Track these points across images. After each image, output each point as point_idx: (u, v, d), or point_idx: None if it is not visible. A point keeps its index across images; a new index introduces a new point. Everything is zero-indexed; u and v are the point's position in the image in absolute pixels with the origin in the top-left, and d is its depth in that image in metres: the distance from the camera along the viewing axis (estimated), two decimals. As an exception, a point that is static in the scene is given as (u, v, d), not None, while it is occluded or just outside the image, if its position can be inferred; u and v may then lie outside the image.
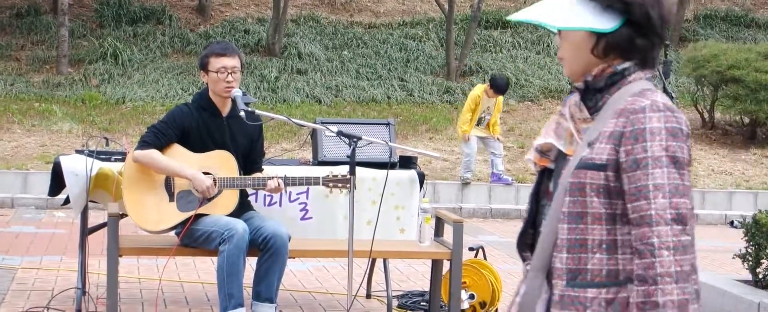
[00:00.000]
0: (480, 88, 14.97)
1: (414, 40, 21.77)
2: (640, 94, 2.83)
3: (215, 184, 6.54)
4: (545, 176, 3.01)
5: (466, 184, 15.07)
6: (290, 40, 21.01)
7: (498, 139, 15.15)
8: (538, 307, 2.90)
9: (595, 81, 2.90)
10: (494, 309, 7.55)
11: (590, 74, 2.91)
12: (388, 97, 19.27)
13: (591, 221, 2.84)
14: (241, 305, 6.47)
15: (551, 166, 2.99)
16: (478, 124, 14.86)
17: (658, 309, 2.75)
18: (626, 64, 2.88)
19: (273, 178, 6.59)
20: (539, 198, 3.03)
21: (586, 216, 2.84)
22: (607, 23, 2.85)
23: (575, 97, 2.94)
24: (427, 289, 7.77)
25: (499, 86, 14.80)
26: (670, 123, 2.78)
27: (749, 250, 7.83)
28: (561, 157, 2.95)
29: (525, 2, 24.00)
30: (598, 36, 2.86)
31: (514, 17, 2.91)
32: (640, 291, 2.77)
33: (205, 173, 6.58)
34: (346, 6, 23.28)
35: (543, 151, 3.02)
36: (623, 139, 2.80)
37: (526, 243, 3.03)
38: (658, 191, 2.77)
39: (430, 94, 19.57)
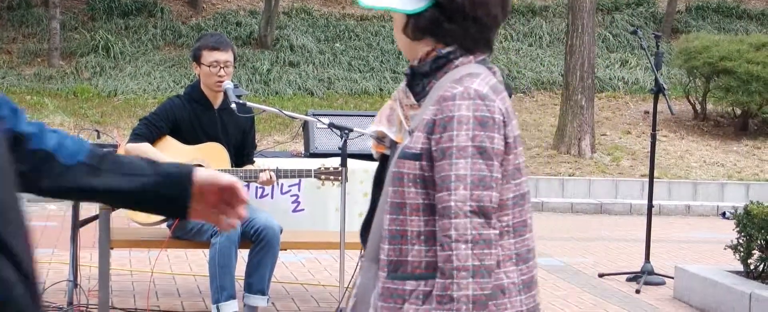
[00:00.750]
0: None
1: (406, 33, 21.74)
2: (458, 80, 2.73)
3: (207, 177, 6.52)
4: (385, 163, 2.93)
5: None
6: (282, 32, 21.00)
7: None
8: (372, 298, 2.83)
9: (420, 65, 2.82)
10: (486, 300, 7.55)
11: (416, 58, 2.83)
12: (381, 89, 19.27)
13: (409, 212, 2.74)
14: (233, 297, 6.47)
15: (388, 152, 2.92)
16: None
17: (452, 303, 2.64)
18: (450, 48, 2.79)
19: (265, 170, 6.59)
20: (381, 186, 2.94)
21: (405, 207, 2.74)
22: (414, 4, 2.77)
23: (403, 83, 2.88)
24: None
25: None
26: (480, 112, 2.67)
27: (740, 241, 7.85)
28: (393, 145, 2.88)
29: (517, -6, 24.00)
30: (408, 17, 2.80)
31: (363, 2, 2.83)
32: (439, 284, 2.67)
33: (197, 165, 6.56)
34: (338, -2, 23.26)
35: (379, 138, 2.96)
36: (434, 128, 2.70)
37: (368, 232, 2.95)
38: (460, 182, 2.66)
39: (422, 86, 19.56)
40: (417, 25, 2.80)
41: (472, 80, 2.72)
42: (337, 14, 22.41)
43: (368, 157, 7.38)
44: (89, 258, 8.40)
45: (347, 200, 6.47)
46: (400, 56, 20.64)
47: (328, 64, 20.05)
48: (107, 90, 18.17)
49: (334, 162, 6.70)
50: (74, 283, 7.05)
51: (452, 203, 2.66)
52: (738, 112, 18.71)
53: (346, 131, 6.34)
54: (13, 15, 20.94)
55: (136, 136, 6.58)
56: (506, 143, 2.73)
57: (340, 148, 6.33)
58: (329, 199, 7.34)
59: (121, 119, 16.62)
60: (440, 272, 2.67)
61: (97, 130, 7.53)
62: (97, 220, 6.62)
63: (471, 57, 2.81)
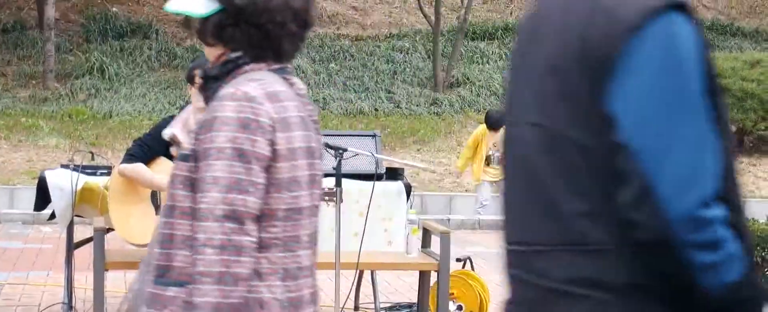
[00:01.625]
0: (483, 126, 13.87)
1: (401, 52, 21.79)
2: (236, 83, 2.70)
3: (201, 198, 6.52)
4: None
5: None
6: (277, 53, 21.01)
7: None
8: (141, 303, 2.77)
9: (210, 69, 2.80)
10: (482, 320, 7.54)
11: (210, 62, 2.82)
12: (376, 109, 19.28)
13: (178, 215, 2.67)
14: (229, 318, 6.44)
15: None
16: (488, 165, 13.66)
17: (194, 310, 2.56)
18: (238, 53, 2.77)
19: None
20: None
21: (176, 210, 2.68)
22: (203, 9, 2.76)
23: (197, 86, 2.86)
24: (416, 300, 7.76)
25: (490, 121, 13.62)
26: (244, 113, 2.62)
27: (736, 258, 7.84)
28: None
29: (511, 14, 24.05)
30: (201, 22, 2.78)
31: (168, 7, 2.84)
32: (188, 289, 2.61)
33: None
34: (332, 19, 23.30)
35: (176, 142, 2.95)
36: (201, 128, 2.67)
37: None
38: (214, 184, 2.59)
39: (417, 105, 19.59)
40: (205, 29, 2.78)
41: (247, 83, 2.68)
42: (332, 35, 22.44)
43: (363, 177, 7.39)
44: (84, 280, 8.37)
45: (342, 220, 6.46)
46: (395, 76, 20.67)
47: (323, 85, 20.07)
48: (102, 112, 18.17)
49: (329, 182, 6.69)
50: (69, 305, 7.03)
51: (204, 206, 2.58)
52: (733, 129, 18.72)
53: (341, 151, 6.34)
54: (8, 37, 20.95)
55: (130, 157, 6.56)
56: (275, 150, 2.65)
57: (334, 168, 6.33)
58: (324, 219, 7.31)
59: (117, 141, 16.61)
60: (191, 277, 2.60)
61: (91, 152, 7.51)
62: (92, 242, 6.60)
63: (263, 64, 2.78)
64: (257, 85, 2.69)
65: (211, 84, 2.79)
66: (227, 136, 2.61)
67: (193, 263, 2.60)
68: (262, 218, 2.66)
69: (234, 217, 2.59)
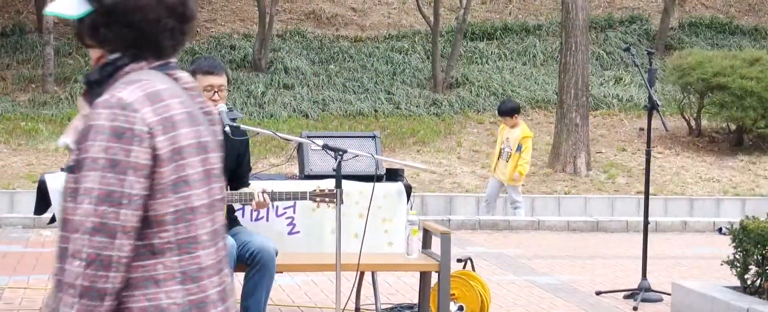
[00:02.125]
0: (502, 124, 13.97)
1: (400, 53, 21.78)
2: (113, 88, 2.61)
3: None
4: None
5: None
6: (276, 55, 21.02)
7: (517, 182, 13.71)
8: None
9: (91, 73, 2.72)
10: (483, 320, 7.54)
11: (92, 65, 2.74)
12: (375, 111, 19.28)
13: (69, 228, 2.59)
14: (230, 321, 6.44)
15: None
16: (498, 159, 13.66)
17: None
18: (116, 55, 2.68)
19: (260, 193, 6.57)
20: None
21: (67, 222, 2.60)
22: (76, 10, 2.68)
23: (82, 92, 2.77)
24: (416, 301, 7.76)
25: (499, 109, 13.94)
26: (118, 122, 2.53)
27: (737, 256, 7.85)
28: None
29: (510, 14, 24.05)
30: (76, 23, 2.70)
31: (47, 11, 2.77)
32: (54, 298, 2.55)
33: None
34: (331, 20, 23.31)
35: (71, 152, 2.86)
36: (80, 137, 2.59)
37: None
38: (86, 196, 2.51)
39: (417, 106, 19.58)
40: (81, 31, 2.71)
41: (124, 88, 2.60)
42: (331, 36, 22.44)
43: (363, 178, 7.39)
44: (85, 283, 8.36)
45: (342, 221, 6.47)
46: (395, 77, 20.67)
47: (322, 86, 20.07)
48: (102, 115, 18.15)
49: (329, 184, 6.70)
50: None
51: (76, 217, 2.53)
52: (733, 127, 18.72)
53: (341, 152, 6.34)
54: (7, 41, 20.96)
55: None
56: (156, 155, 2.57)
57: (334, 170, 6.33)
58: (325, 221, 7.33)
59: (116, 144, 16.60)
60: (56, 286, 2.57)
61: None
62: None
63: (143, 63, 2.69)
64: (135, 88, 2.60)
65: (93, 89, 2.70)
66: (101, 146, 2.54)
67: (57, 272, 2.56)
68: (152, 225, 2.59)
69: (104, 230, 2.52)
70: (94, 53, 2.72)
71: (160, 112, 2.60)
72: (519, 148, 13.41)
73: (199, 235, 2.65)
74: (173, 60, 2.76)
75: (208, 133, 2.73)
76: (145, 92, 2.60)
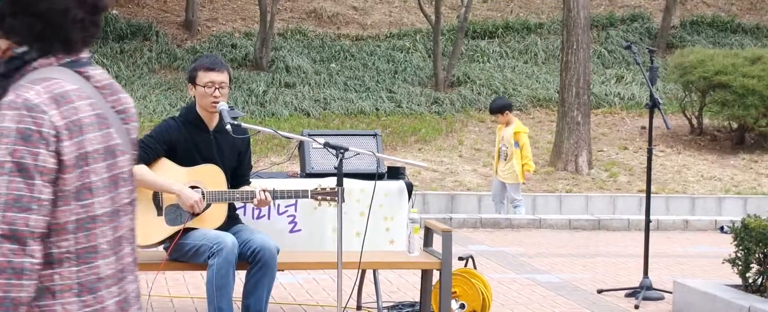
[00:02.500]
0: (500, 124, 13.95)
1: (401, 52, 21.78)
2: (18, 87, 2.51)
3: (203, 198, 6.53)
4: None
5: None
6: (278, 53, 21.02)
7: (519, 180, 13.58)
8: None
9: None
10: (485, 318, 7.54)
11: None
12: (377, 109, 19.28)
13: None
14: (231, 319, 6.45)
15: None
16: (505, 160, 13.54)
17: None
18: (24, 48, 2.57)
19: (261, 191, 6.57)
20: None
21: None
22: None
23: None
24: (418, 299, 7.76)
25: (489, 108, 13.91)
26: (24, 124, 2.42)
27: (739, 254, 7.84)
28: None
29: (511, 12, 24.05)
30: None
31: None
32: None
33: (194, 187, 6.57)
34: (332, 19, 23.31)
35: None
36: None
37: None
38: None
39: (418, 105, 19.58)
40: None
41: (30, 88, 2.49)
42: (333, 35, 22.44)
43: (365, 176, 7.40)
44: (87, 282, 8.36)
45: (344, 220, 6.47)
46: (396, 75, 20.67)
47: (323, 85, 20.07)
48: (103, 114, 18.16)
49: (331, 182, 6.70)
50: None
51: None
52: (734, 126, 18.71)
53: (342, 150, 6.34)
54: (9, 40, 20.95)
55: (132, 159, 6.56)
56: (61, 161, 2.47)
57: (335, 168, 6.33)
58: (326, 219, 7.33)
59: (118, 143, 16.60)
60: None
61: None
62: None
63: (52, 59, 2.58)
64: (42, 89, 2.49)
65: (2, 82, 2.59)
66: (7, 149, 2.43)
67: None
68: (51, 233, 2.50)
69: (14, 237, 2.41)
70: (2, 45, 2.60)
71: (67, 115, 2.50)
72: (516, 145, 13.41)
73: (100, 245, 2.56)
74: (85, 56, 2.65)
75: (120, 135, 2.62)
76: (51, 93, 2.49)
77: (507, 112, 13.65)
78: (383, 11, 23.84)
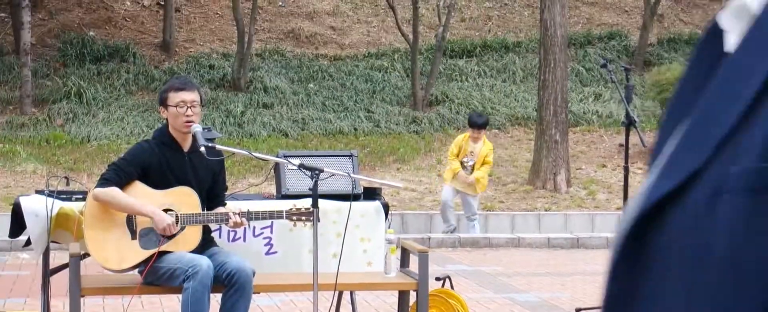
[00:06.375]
0: (467, 134, 14.09)
1: (380, 71, 21.78)
2: None
3: (177, 221, 6.48)
4: None
5: (448, 231, 14.16)
6: (255, 74, 20.99)
7: (475, 190, 13.89)
8: None
9: None
10: (463, 339, 7.50)
11: None
12: (355, 129, 19.26)
13: None
14: (207, 342, 6.40)
15: None
16: (464, 168, 13.79)
17: None
18: None
19: (235, 213, 6.53)
20: None
21: None
22: None
23: None
24: (396, 320, 7.71)
25: (471, 120, 14.06)
26: None
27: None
28: None
29: (489, 31, 24.08)
30: None
31: None
32: None
33: (167, 210, 6.52)
34: (310, 39, 23.30)
35: None
36: None
37: None
38: None
39: (396, 124, 19.57)
40: None
41: None
42: (310, 55, 22.43)
43: (341, 197, 7.36)
44: (62, 306, 8.30)
45: (320, 241, 6.43)
46: (374, 95, 20.66)
47: (302, 105, 20.04)
48: (80, 136, 18.09)
49: (306, 203, 6.66)
50: (46, 332, 6.96)
51: None
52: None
53: (317, 172, 6.31)
54: (-15, 63, 20.86)
55: (105, 181, 6.52)
56: None
57: (310, 189, 6.30)
58: (302, 241, 7.29)
59: (95, 165, 16.53)
60: None
61: (66, 177, 7.46)
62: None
63: None
64: None
65: None
66: None
67: None
68: None
69: None
70: None
71: None
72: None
73: None
74: None
75: None
76: None
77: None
78: (361, 31, 23.85)
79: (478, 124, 13.98)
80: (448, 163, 14.30)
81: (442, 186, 14.20)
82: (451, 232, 14.14)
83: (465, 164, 13.82)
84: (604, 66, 9.50)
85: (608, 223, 15.50)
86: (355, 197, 7.17)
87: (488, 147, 13.92)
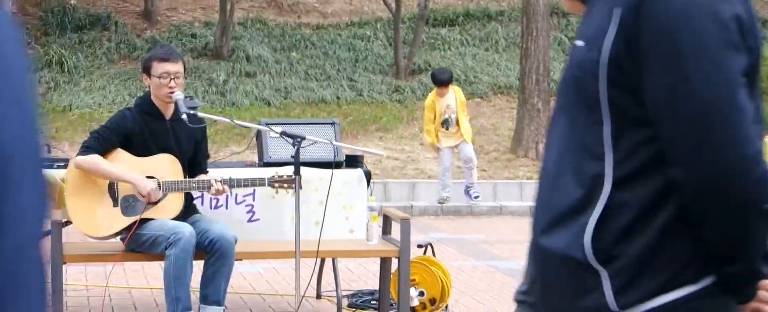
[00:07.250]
0: (432, 93, 14.20)
1: (362, 40, 21.76)
2: None
3: (159, 188, 6.50)
4: None
5: (441, 202, 14.19)
6: (238, 43, 20.94)
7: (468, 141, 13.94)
8: None
9: None
10: (444, 305, 7.55)
11: None
12: (338, 98, 19.25)
13: None
14: (189, 309, 6.43)
15: None
16: (446, 128, 13.80)
17: None
18: None
19: (218, 180, 6.55)
20: None
21: None
22: None
23: None
24: (378, 287, 7.75)
25: (436, 78, 14.01)
26: None
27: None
28: None
29: (472, 0, 24.08)
30: None
31: None
32: None
33: (149, 177, 6.53)
34: (293, 7, 23.24)
35: None
36: None
37: None
38: None
39: (379, 93, 19.57)
40: None
41: None
42: (293, 23, 22.38)
43: (323, 165, 7.38)
44: (44, 274, 8.30)
45: (303, 209, 6.46)
46: (357, 64, 20.65)
47: (284, 74, 20.01)
48: (62, 105, 18.05)
49: (288, 170, 6.68)
50: (28, 299, 6.97)
51: None
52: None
53: (299, 139, 6.33)
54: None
55: (86, 149, 6.52)
56: None
57: (293, 157, 6.32)
58: (284, 208, 7.31)
59: (77, 134, 16.50)
60: None
61: (47, 144, 7.47)
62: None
63: None
64: None
65: None
66: None
67: None
68: None
69: None
70: None
71: None
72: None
73: None
74: None
75: None
76: None
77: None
78: (344, 0, 23.80)
79: (443, 80, 13.93)
80: (425, 131, 14.22)
81: (440, 151, 13.99)
82: (443, 202, 14.14)
83: (449, 121, 13.79)
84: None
85: (590, 192, 15.56)
86: (337, 165, 7.19)
87: (458, 92, 14.04)
